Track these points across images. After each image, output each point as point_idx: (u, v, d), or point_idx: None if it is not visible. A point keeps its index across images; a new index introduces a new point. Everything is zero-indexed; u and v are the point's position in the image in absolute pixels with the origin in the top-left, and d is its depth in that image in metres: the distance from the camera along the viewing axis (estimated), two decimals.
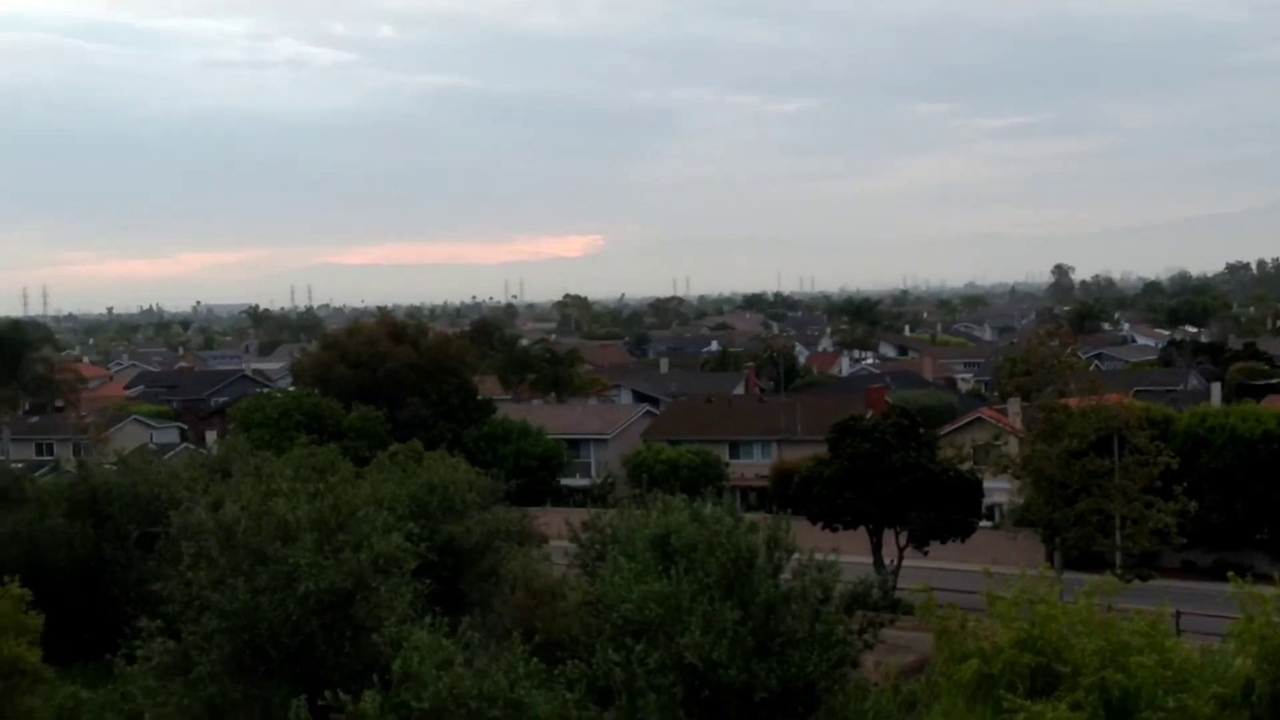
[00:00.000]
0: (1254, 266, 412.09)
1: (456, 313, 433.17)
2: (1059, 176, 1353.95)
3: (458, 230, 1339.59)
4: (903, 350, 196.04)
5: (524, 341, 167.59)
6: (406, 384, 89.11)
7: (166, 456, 67.34)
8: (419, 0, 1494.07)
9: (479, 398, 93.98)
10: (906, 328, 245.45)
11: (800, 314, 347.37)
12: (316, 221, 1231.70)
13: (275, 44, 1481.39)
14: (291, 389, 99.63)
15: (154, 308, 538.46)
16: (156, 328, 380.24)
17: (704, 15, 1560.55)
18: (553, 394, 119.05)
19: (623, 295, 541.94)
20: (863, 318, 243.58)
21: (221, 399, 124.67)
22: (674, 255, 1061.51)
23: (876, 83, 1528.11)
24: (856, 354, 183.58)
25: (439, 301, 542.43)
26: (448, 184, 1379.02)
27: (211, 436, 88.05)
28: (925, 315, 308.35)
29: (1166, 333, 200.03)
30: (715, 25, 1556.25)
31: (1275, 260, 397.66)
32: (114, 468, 52.32)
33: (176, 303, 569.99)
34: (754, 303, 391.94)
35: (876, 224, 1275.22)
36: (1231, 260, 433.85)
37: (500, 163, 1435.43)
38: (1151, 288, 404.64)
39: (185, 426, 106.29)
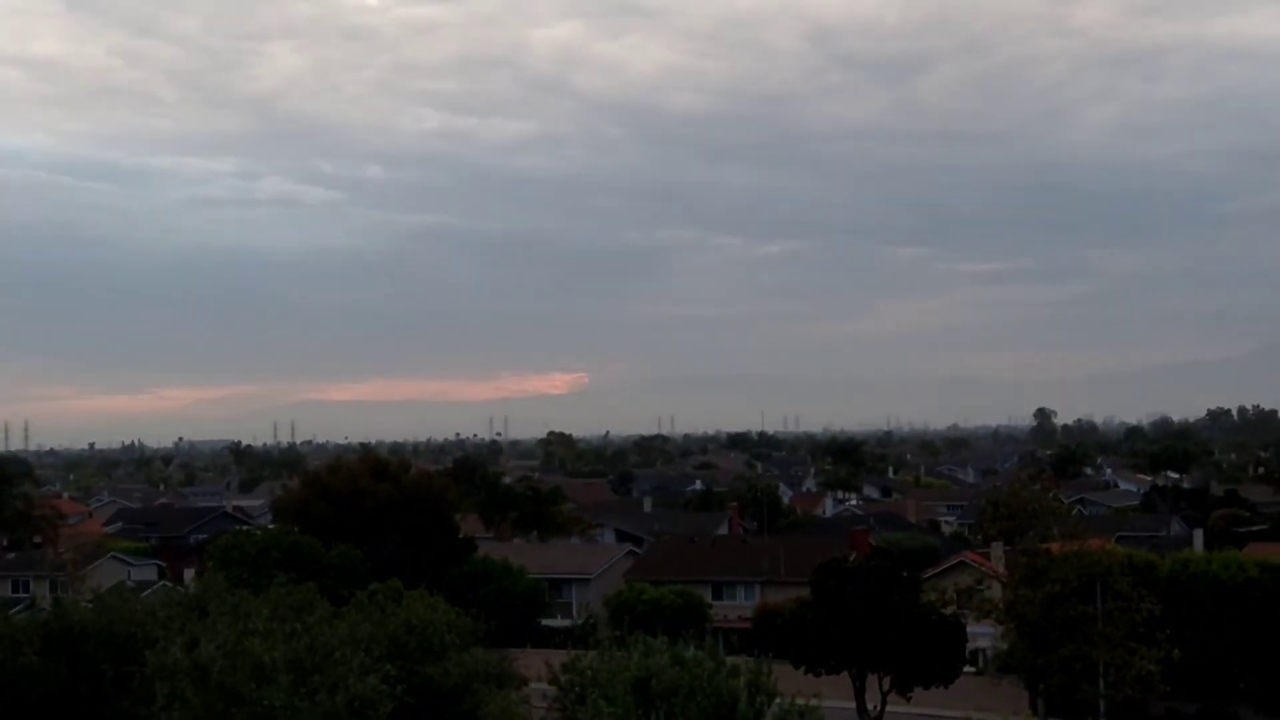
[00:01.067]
0: (1235, 413, 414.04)
1: (440, 450, 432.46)
2: (1040, 321, 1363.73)
3: (443, 367, 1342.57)
4: (886, 492, 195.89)
5: (507, 479, 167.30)
6: (387, 522, 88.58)
7: (144, 594, 66.65)
8: (407, 141, 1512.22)
9: (460, 536, 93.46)
10: (890, 469, 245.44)
11: (784, 454, 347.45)
12: (301, 357, 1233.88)
13: (263, 182, 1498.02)
14: (271, 526, 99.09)
15: (135, 443, 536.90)
16: (137, 463, 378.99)
17: (690, 160, 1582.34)
18: (535, 533, 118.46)
19: (607, 433, 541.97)
20: (846, 458, 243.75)
21: (201, 536, 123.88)
22: (659, 394, 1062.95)
23: (859, 226, 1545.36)
24: (840, 495, 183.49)
25: (423, 438, 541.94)
26: (433, 321, 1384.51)
27: (190, 574, 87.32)
28: (909, 457, 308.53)
29: (1149, 478, 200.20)
30: (701, 169, 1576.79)
31: (1256, 407, 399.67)
32: (90, 605, 51.74)
33: (158, 438, 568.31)
34: (738, 442, 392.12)
35: (860, 365, 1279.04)
36: (1212, 406, 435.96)
37: (486, 300, 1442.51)
38: (1133, 433, 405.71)
39: (163, 564, 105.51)
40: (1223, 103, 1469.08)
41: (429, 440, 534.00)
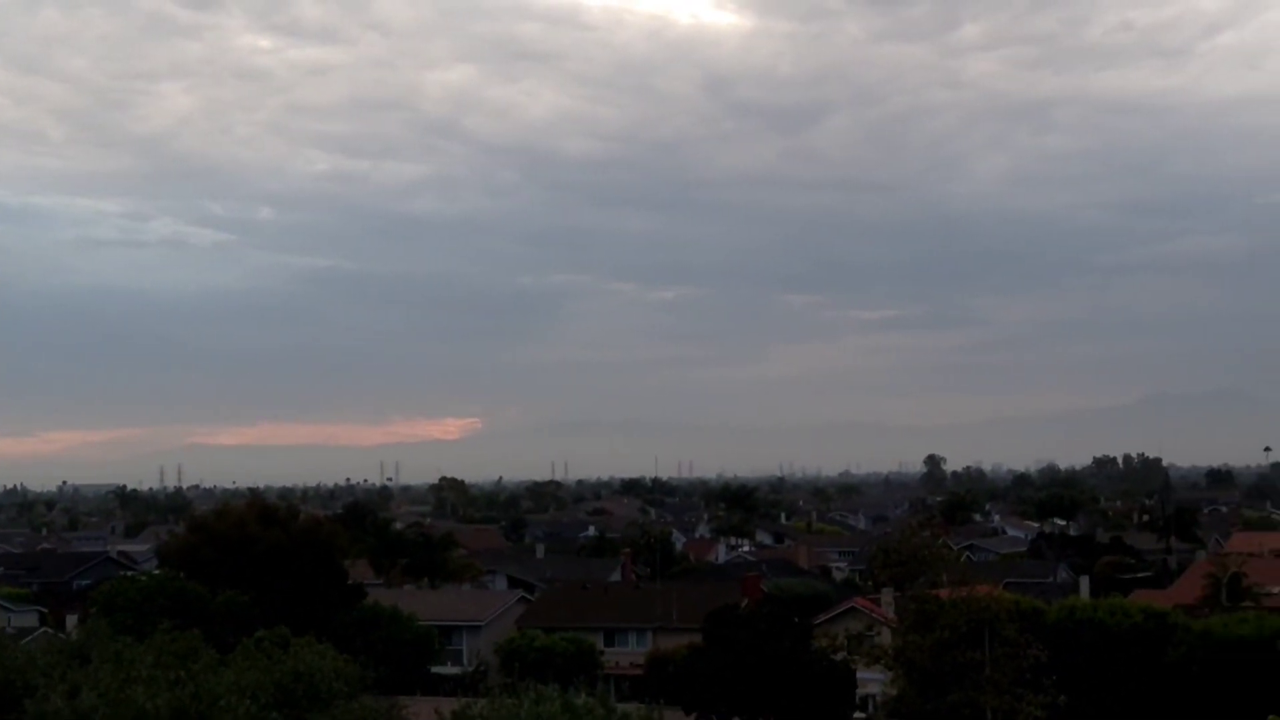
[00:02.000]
0: (1120, 461, 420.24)
1: (330, 495, 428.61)
2: (932, 368, 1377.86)
3: (334, 411, 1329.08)
4: (779, 538, 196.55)
5: (398, 525, 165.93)
6: (275, 568, 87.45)
7: (24, 641, 65.27)
8: (299, 183, 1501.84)
9: (350, 582, 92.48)
10: (783, 515, 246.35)
11: (678, 500, 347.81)
12: (189, 400, 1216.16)
13: (153, 223, 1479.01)
14: (156, 572, 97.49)
15: (18, 487, 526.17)
16: (20, 508, 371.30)
17: (586, 204, 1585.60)
18: (426, 579, 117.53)
19: (500, 478, 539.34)
20: (739, 505, 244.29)
21: (84, 582, 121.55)
22: (552, 439, 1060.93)
23: (754, 272, 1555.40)
24: (733, 541, 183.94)
25: (313, 483, 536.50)
26: (325, 364, 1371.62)
27: (72, 620, 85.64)
28: (801, 503, 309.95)
29: (1036, 525, 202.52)
30: (596, 214, 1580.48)
31: (1141, 455, 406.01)
32: None
33: (42, 482, 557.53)
34: (632, 487, 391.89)
35: (753, 411, 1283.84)
36: (1099, 454, 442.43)
37: (378, 344, 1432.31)
38: (1021, 480, 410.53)
39: (45, 610, 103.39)
40: (1110, 155, 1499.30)
41: (319, 485, 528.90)
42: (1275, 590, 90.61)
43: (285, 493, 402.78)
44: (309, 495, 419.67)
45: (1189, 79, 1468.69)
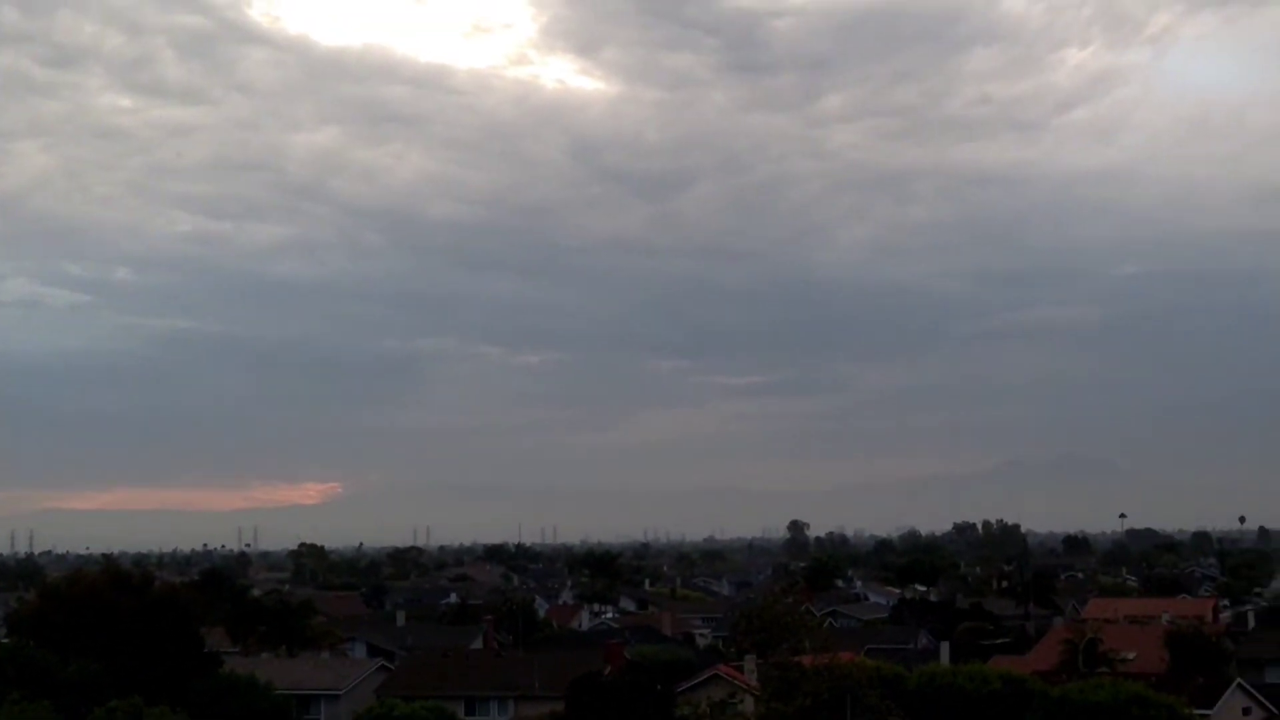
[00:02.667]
0: (980, 527, 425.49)
1: (186, 561, 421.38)
2: (796, 434, 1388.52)
3: (192, 476, 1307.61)
4: (643, 604, 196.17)
5: (255, 591, 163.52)
6: (129, 636, 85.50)
7: None
8: (160, 244, 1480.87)
9: (206, 650, 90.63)
10: (646, 581, 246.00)
11: (541, 566, 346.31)
12: (43, 465, 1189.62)
13: (8, 284, 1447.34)
14: (5, 640, 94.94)
15: None
16: None
17: (451, 268, 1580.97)
18: (284, 647, 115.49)
19: (360, 544, 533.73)
20: (603, 571, 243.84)
21: None
22: (415, 504, 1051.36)
23: (620, 338, 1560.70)
24: (597, 607, 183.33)
25: (169, 549, 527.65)
26: (184, 428, 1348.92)
27: None
28: (665, 569, 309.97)
29: (897, 591, 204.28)
30: (462, 278, 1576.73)
31: (1000, 521, 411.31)
32: None
33: None
34: (495, 554, 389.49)
35: (618, 476, 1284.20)
36: (959, 520, 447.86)
37: (238, 408, 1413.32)
38: (883, 545, 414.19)
39: None
40: (968, 225, 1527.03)
41: (175, 551, 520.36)
42: (1130, 656, 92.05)
43: (141, 559, 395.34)
44: (165, 561, 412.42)
45: (1044, 152, 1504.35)
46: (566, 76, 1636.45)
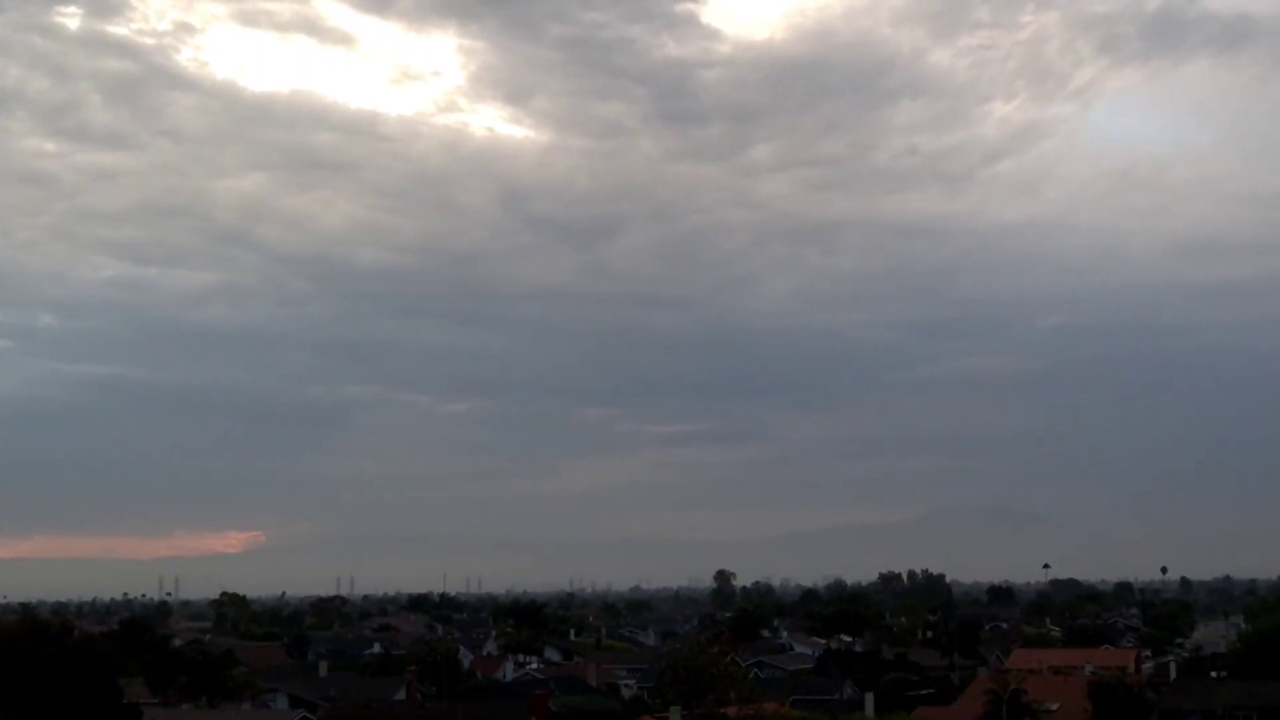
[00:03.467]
0: (905, 577, 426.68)
1: (106, 610, 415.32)
2: (723, 483, 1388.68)
3: (113, 523, 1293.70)
4: (568, 654, 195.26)
5: (176, 641, 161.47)
6: (47, 687, 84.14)
7: None
8: (84, 289, 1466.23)
9: (125, 702, 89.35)
10: (572, 631, 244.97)
11: (466, 616, 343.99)
12: None
13: None
14: None
15: None
16: None
17: (380, 315, 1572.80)
18: (204, 698, 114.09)
19: (283, 594, 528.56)
20: (528, 621, 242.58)
21: None
22: (339, 553, 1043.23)
23: (549, 386, 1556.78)
24: (521, 658, 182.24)
25: (89, 598, 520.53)
26: (105, 475, 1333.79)
27: None
28: (591, 619, 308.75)
29: (823, 641, 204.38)
30: (391, 325, 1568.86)
31: (925, 571, 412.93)
32: None
33: None
34: (419, 603, 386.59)
35: (544, 525, 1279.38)
36: (884, 570, 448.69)
37: (161, 455, 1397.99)
38: (809, 595, 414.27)
39: None
40: (896, 276, 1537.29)
41: (95, 600, 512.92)
42: (1054, 707, 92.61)
43: (59, 608, 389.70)
44: (84, 610, 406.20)
45: (971, 204, 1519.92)
46: (496, 124, 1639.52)
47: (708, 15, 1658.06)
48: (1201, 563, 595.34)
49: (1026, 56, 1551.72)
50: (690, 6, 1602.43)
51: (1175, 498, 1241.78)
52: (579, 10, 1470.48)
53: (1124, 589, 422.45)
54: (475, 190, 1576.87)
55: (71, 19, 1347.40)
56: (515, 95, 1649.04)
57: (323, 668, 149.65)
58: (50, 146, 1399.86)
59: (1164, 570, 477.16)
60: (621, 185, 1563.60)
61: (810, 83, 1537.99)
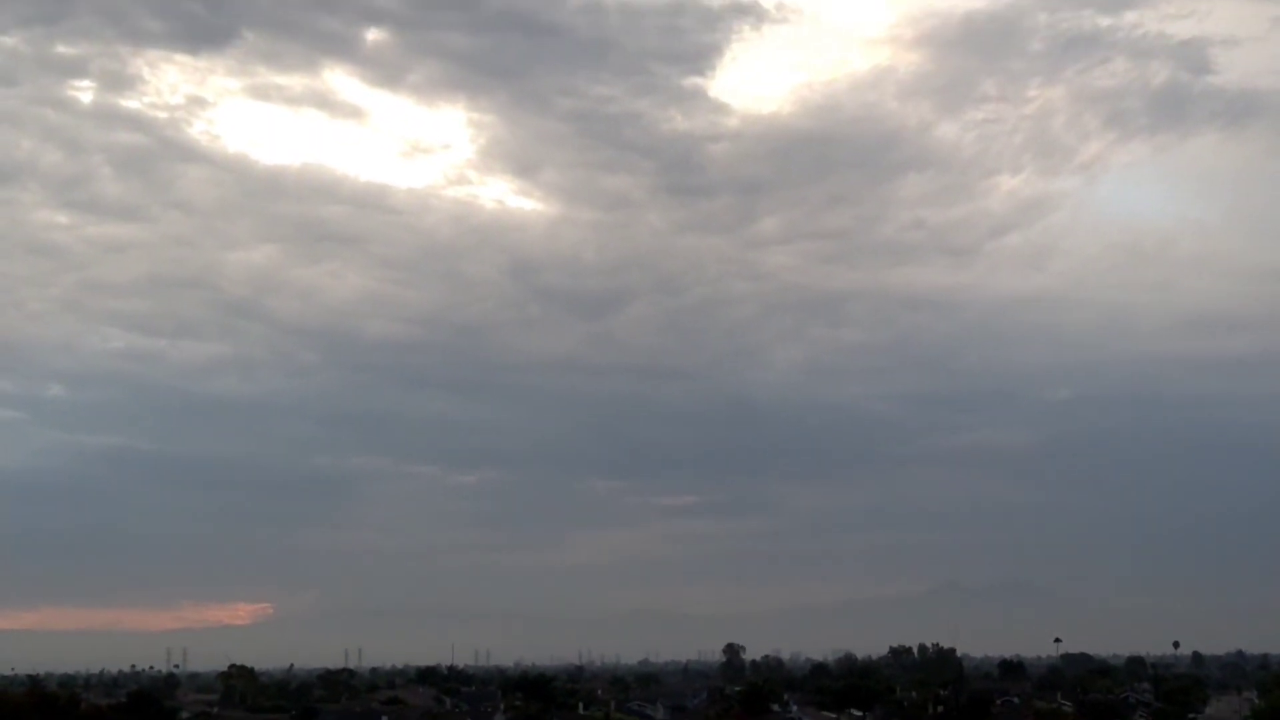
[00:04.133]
0: (915, 651, 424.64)
1: (114, 682, 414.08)
2: (730, 555, 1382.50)
3: (121, 595, 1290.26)
4: None
5: (184, 714, 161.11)
6: None
7: None
8: (93, 360, 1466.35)
9: None
10: (581, 705, 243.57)
11: (474, 689, 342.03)
12: None
13: None
14: None
15: None
16: None
17: (387, 386, 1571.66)
18: None
19: (291, 666, 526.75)
20: (537, 694, 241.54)
21: None
22: (347, 625, 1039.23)
23: (556, 457, 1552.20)
24: None
25: (96, 670, 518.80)
26: (113, 546, 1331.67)
27: None
28: (599, 692, 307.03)
29: (834, 715, 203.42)
30: (398, 396, 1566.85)
31: (935, 645, 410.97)
32: None
33: None
34: (428, 676, 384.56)
35: (552, 597, 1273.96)
36: (894, 644, 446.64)
37: (169, 526, 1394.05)
38: (819, 669, 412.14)
39: None
40: (902, 348, 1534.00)
41: (102, 672, 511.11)
42: None
43: (67, 680, 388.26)
44: (92, 682, 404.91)
45: (977, 276, 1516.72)
46: (505, 197, 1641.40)
47: (715, 89, 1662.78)
48: (1214, 637, 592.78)
49: (1033, 130, 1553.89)
50: (698, 80, 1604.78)
51: (1186, 572, 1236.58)
52: (587, 84, 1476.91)
53: (1136, 663, 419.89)
54: (484, 262, 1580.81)
55: (84, 92, 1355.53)
56: (524, 168, 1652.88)
57: None
58: (62, 219, 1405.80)
59: (1176, 645, 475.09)
60: (628, 257, 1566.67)
61: (817, 156, 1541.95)
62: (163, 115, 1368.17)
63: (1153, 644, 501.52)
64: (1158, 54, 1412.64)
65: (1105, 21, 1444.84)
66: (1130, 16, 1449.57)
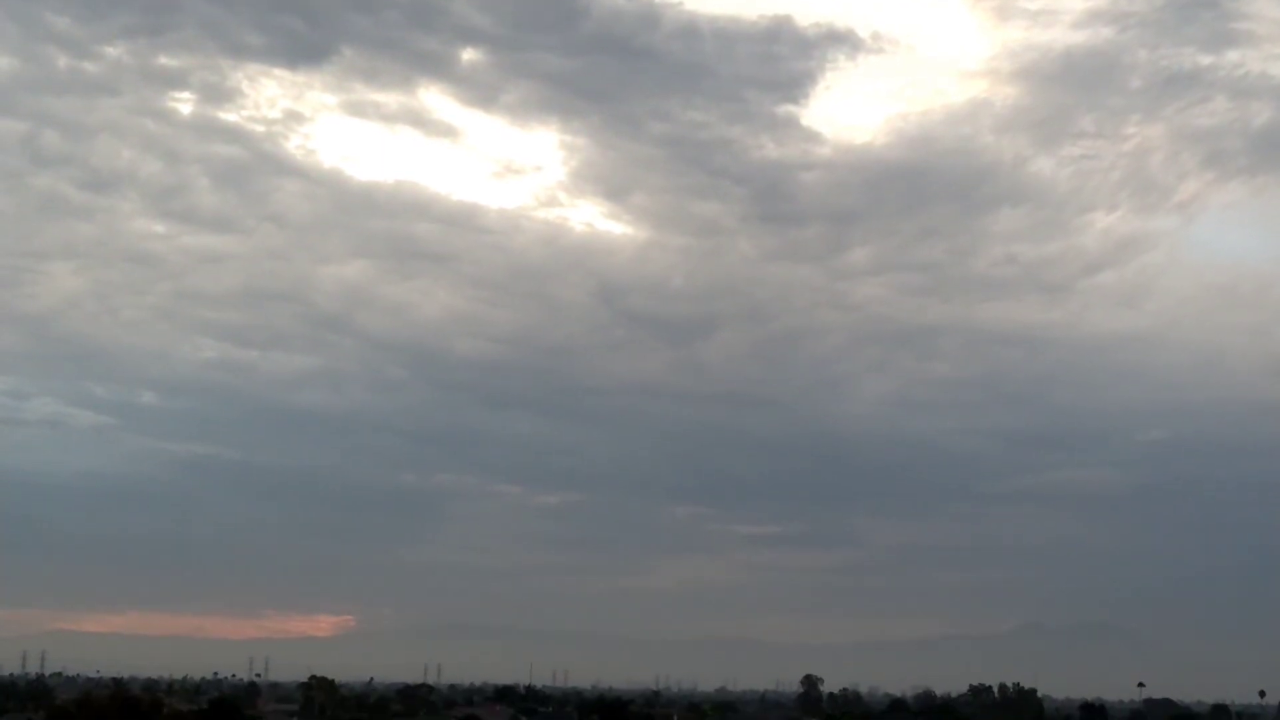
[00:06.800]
0: (996, 690, 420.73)
1: (196, 688, 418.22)
2: (811, 587, 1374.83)
3: (206, 602, 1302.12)
4: None
5: None
6: None
7: None
8: (185, 369, 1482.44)
9: None
10: None
11: (551, 709, 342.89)
12: (57, 584, 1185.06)
13: (34, 403, 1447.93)
14: None
15: None
16: None
17: (473, 405, 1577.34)
18: None
19: (371, 679, 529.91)
20: (613, 717, 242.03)
21: None
22: (427, 641, 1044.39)
23: (639, 481, 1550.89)
24: None
25: (179, 675, 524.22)
26: (199, 554, 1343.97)
27: None
28: (675, 717, 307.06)
29: None
30: (484, 415, 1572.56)
31: (1016, 685, 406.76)
32: None
33: None
34: (505, 695, 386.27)
35: (631, 621, 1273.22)
36: (974, 682, 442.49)
37: (254, 535, 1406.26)
38: (897, 704, 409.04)
39: None
40: (992, 384, 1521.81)
41: (185, 677, 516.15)
42: None
43: (151, 684, 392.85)
44: (175, 688, 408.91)
45: (1070, 314, 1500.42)
46: (595, 220, 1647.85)
47: (808, 118, 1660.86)
48: None
49: (1130, 168, 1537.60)
50: (791, 109, 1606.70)
51: (1274, 619, 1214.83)
52: (680, 110, 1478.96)
53: (1220, 711, 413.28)
54: (572, 284, 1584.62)
55: (184, 104, 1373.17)
56: (615, 191, 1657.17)
57: None
58: (159, 228, 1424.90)
59: (1262, 694, 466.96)
60: (717, 284, 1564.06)
61: (910, 187, 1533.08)
62: (260, 129, 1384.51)
63: (1238, 691, 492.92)
64: (1260, 94, 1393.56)
65: (1206, 60, 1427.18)
66: (1232, 55, 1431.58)
